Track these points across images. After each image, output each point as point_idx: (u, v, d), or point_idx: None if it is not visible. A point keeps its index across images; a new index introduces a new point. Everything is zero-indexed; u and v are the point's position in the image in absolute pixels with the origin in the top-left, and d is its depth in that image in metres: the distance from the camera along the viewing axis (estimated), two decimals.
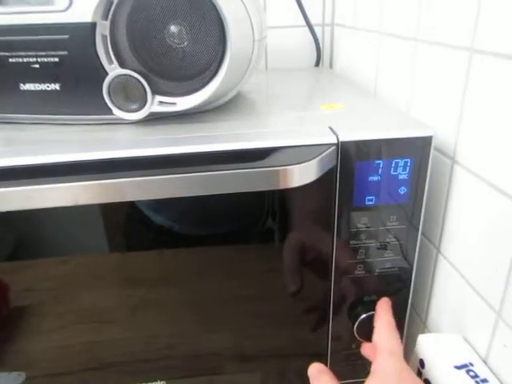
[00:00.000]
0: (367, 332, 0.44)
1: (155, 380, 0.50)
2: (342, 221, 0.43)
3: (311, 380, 0.41)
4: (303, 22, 0.76)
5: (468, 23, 0.39)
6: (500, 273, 0.37)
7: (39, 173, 0.37)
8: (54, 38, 0.41)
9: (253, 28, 0.43)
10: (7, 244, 0.43)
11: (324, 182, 0.40)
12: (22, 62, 0.42)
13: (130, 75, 0.41)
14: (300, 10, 0.75)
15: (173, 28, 0.40)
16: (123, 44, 0.41)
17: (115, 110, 0.43)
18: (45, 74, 0.42)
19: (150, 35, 0.40)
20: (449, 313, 0.46)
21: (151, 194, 0.38)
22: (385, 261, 0.45)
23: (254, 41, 0.43)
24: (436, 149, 0.45)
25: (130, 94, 0.42)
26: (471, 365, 0.39)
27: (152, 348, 0.48)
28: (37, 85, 0.43)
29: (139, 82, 0.41)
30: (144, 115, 0.43)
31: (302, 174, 0.38)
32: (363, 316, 0.45)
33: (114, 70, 0.42)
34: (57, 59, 0.41)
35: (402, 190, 0.42)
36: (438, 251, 0.47)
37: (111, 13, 0.40)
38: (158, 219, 0.43)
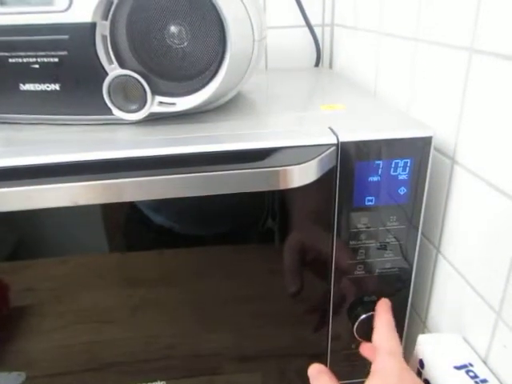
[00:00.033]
0: (367, 332, 0.44)
1: (155, 380, 0.50)
2: (341, 221, 0.43)
3: (311, 380, 0.41)
4: (303, 22, 0.76)
5: (468, 23, 0.39)
6: (500, 273, 0.37)
7: (39, 173, 0.37)
8: (53, 39, 0.41)
9: (253, 28, 0.43)
10: (7, 244, 0.43)
11: (324, 182, 0.40)
12: (22, 62, 0.42)
13: (129, 75, 0.41)
14: (300, 10, 0.75)
15: (173, 28, 0.40)
16: (123, 44, 0.41)
17: (115, 111, 0.43)
18: (45, 74, 0.42)
19: (149, 35, 0.40)
20: (449, 313, 0.46)
21: (151, 194, 0.38)
22: (385, 261, 0.45)
23: (253, 41, 0.43)
24: (436, 149, 0.45)
25: (129, 95, 0.42)
26: (471, 365, 0.39)
27: (152, 348, 0.48)
28: (37, 85, 0.43)
29: (139, 82, 0.42)
30: (144, 115, 0.43)
31: (301, 175, 0.38)
32: (363, 316, 0.45)
33: (113, 71, 0.42)
34: (57, 59, 0.41)
35: (402, 191, 0.42)
36: (438, 251, 0.47)
37: (111, 13, 0.40)
38: (158, 219, 0.44)
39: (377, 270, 0.46)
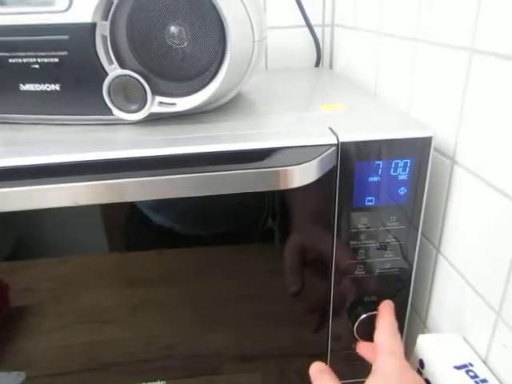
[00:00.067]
0: (367, 332, 0.44)
1: (155, 380, 0.50)
2: (341, 221, 0.43)
3: (312, 379, 0.41)
4: (303, 23, 0.76)
5: (468, 23, 0.39)
6: (500, 273, 0.37)
7: (39, 173, 0.37)
8: (53, 39, 0.41)
9: (253, 29, 0.43)
10: (7, 244, 0.43)
11: (324, 182, 0.40)
12: (22, 63, 0.42)
13: (129, 76, 0.41)
14: (300, 10, 0.75)
15: (173, 29, 0.40)
16: (123, 44, 0.41)
17: (115, 111, 0.43)
18: (45, 74, 0.42)
19: (149, 36, 0.40)
20: (448, 313, 0.46)
21: (151, 194, 0.38)
22: (385, 261, 0.45)
23: (254, 41, 0.43)
24: (436, 149, 0.45)
25: (129, 95, 0.42)
26: (471, 365, 0.39)
27: (152, 348, 0.48)
28: (37, 85, 0.43)
29: (139, 82, 0.42)
30: (144, 116, 0.43)
31: (302, 175, 0.38)
32: (363, 316, 0.45)
33: (114, 71, 0.42)
34: (57, 59, 0.41)
35: (402, 191, 0.42)
36: (438, 251, 0.47)
37: (111, 13, 0.40)
38: (158, 219, 0.44)
39: (377, 270, 0.46)
